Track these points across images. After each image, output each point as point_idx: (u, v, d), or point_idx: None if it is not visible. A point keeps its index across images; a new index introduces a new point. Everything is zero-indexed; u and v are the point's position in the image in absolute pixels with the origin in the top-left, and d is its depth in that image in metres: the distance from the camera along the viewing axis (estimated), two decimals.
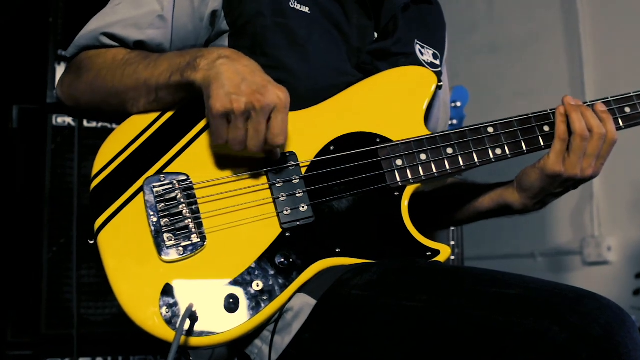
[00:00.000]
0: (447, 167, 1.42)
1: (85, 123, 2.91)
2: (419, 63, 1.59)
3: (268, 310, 1.24)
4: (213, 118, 1.25)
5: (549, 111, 1.48)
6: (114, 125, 2.47)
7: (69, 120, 2.89)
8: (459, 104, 2.91)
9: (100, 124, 2.93)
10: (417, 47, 1.62)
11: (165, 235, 1.26)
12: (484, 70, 3.98)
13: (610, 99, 1.51)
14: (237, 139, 1.25)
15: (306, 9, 1.49)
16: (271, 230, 1.31)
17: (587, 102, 1.48)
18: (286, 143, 1.37)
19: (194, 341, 1.20)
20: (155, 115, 1.39)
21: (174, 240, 1.26)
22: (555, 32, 3.73)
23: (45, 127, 2.89)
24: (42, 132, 2.88)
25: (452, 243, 2.92)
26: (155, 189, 1.30)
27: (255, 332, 1.27)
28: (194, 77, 1.27)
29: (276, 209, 1.32)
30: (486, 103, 3.58)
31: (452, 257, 2.91)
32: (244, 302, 1.23)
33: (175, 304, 1.21)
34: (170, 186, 1.30)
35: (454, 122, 2.89)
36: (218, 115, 1.24)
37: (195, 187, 1.31)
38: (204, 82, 1.26)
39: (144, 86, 1.35)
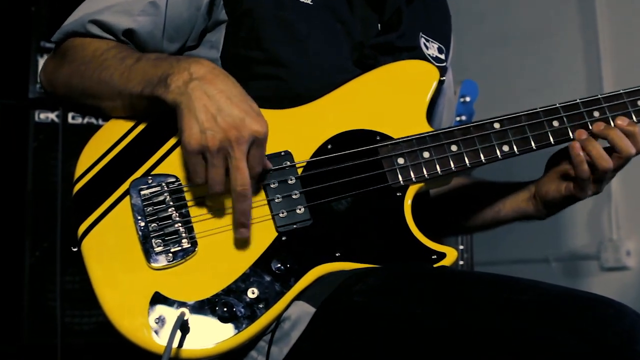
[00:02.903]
0: (452, 165, 1.42)
1: (69, 119, 2.92)
2: (423, 57, 1.59)
3: (264, 319, 1.24)
4: (187, 155, 1.24)
5: (557, 105, 1.48)
6: (100, 122, 2.47)
7: (52, 116, 2.90)
8: (468, 99, 2.92)
9: (85, 121, 2.94)
10: (422, 40, 1.62)
11: (154, 241, 1.26)
12: (495, 64, 3.97)
13: (622, 91, 1.52)
14: (216, 178, 1.23)
15: (308, 0, 1.49)
16: (266, 234, 1.31)
17: (584, 99, 1.49)
18: (281, 142, 1.37)
19: (185, 353, 1.20)
20: None
21: (163, 245, 1.26)
22: (571, 22, 3.72)
23: (27, 123, 2.89)
24: (24, 129, 2.89)
25: (461, 247, 2.93)
26: (142, 192, 1.30)
27: (251, 343, 1.27)
28: (165, 97, 1.26)
29: (271, 211, 1.33)
30: (497, 98, 3.57)
31: (461, 262, 2.91)
32: (238, 311, 1.23)
33: (165, 314, 1.21)
34: (158, 188, 1.30)
35: (463, 118, 2.89)
36: (193, 153, 1.23)
37: (184, 189, 1.31)
38: (176, 107, 1.25)
39: (119, 95, 1.35)
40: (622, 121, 1.47)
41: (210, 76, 1.26)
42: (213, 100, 1.23)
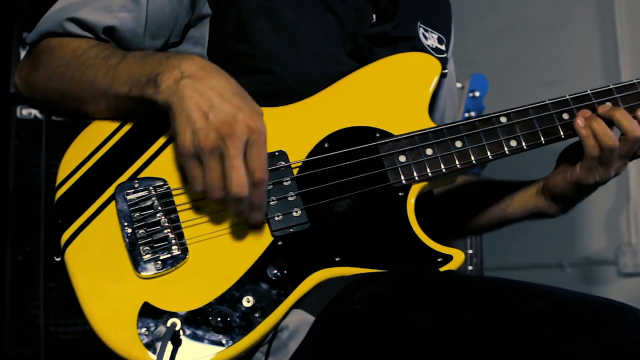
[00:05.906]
0: (457, 162, 1.43)
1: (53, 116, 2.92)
2: (422, 48, 1.60)
3: (261, 329, 1.25)
4: (184, 160, 1.24)
5: (567, 97, 1.49)
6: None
7: (35, 112, 2.90)
8: (477, 94, 2.92)
9: None
10: (421, 30, 1.63)
11: (142, 248, 1.26)
12: (506, 56, 3.98)
13: (635, 81, 1.53)
14: (213, 182, 1.22)
15: None
16: (261, 239, 1.32)
17: (596, 90, 1.50)
18: (275, 141, 1.37)
19: None
20: None
21: (152, 253, 1.26)
22: (587, 11, 3.72)
23: (9, 119, 2.89)
24: (5, 125, 2.89)
25: (470, 251, 2.93)
26: (128, 197, 1.30)
27: (247, 355, 1.27)
28: (156, 98, 1.26)
29: (266, 215, 1.33)
30: (508, 93, 3.57)
31: (470, 267, 2.91)
32: (233, 321, 1.24)
33: (156, 325, 1.22)
34: (145, 193, 1.31)
35: (472, 113, 2.90)
36: (189, 156, 1.23)
37: (173, 193, 1.32)
38: (168, 108, 1.25)
39: (103, 96, 1.36)
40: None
41: (202, 73, 1.26)
42: (205, 98, 1.22)
